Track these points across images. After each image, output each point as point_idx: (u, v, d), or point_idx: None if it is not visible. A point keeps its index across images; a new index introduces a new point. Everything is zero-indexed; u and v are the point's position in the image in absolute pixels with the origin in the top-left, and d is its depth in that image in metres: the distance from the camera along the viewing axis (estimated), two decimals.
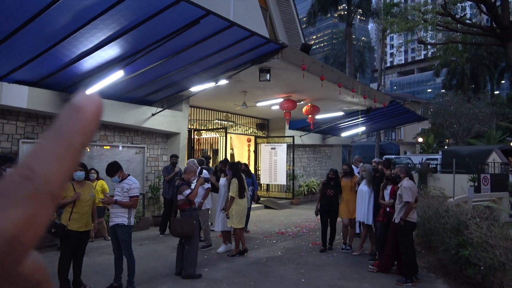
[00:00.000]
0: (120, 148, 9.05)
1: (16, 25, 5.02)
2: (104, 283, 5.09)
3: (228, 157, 14.53)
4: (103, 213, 7.53)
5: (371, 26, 79.83)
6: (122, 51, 6.28)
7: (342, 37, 33.37)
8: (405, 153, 30.75)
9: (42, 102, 7.25)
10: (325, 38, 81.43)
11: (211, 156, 12.40)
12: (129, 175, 5.08)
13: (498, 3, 7.60)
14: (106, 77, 6.74)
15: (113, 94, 8.22)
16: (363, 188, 6.74)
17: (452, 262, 5.17)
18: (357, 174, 7.38)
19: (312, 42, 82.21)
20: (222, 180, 7.33)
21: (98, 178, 7.35)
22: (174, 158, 8.65)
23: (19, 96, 6.93)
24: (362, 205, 6.78)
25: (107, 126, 8.84)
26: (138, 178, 9.14)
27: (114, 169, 4.93)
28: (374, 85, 27.33)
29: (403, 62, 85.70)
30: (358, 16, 25.61)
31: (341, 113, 13.65)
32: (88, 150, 8.32)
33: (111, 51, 6.21)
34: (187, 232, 5.42)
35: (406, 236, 5.39)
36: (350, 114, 13.76)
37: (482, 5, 7.68)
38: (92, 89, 7.27)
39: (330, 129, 15.96)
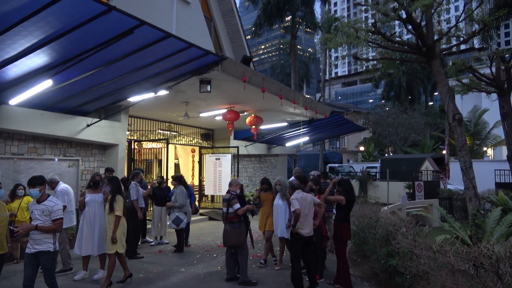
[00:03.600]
0: (56, 160, 8.50)
1: None
2: None
3: (173, 168, 14.23)
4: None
5: (316, 38, 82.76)
6: (50, 60, 5.91)
7: (288, 49, 34.19)
8: (348, 161, 31.98)
9: None
10: (273, 48, 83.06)
11: (152, 168, 12.08)
12: (49, 195, 4.55)
13: (423, 23, 8.15)
14: (34, 86, 6.33)
15: (43, 104, 7.72)
16: (278, 202, 6.52)
17: (382, 271, 5.37)
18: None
19: (260, 52, 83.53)
20: (88, 196, 6.35)
21: (25, 195, 6.81)
22: (109, 172, 8.11)
23: None
24: (279, 219, 6.49)
25: (36, 138, 8.27)
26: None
27: (38, 181, 4.45)
28: (319, 95, 28.22)
29: (346, 73, 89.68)
30: (304, 28, 26.30)
31: (285, 124, 13.88)
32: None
33: (37, 59, 5.82)
34: (237, 243, 5.90)
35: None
36: (293, 125, 14.02)
37: (409, 25, 8.19)
38: (18, 98, 6.80)
39: (274, 139, 16.16)
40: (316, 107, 12.08)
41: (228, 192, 6.15)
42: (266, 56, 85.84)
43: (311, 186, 6.27)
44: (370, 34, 8.24)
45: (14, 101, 6.90)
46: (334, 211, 7.41)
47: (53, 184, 6.58)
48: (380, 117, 27.64)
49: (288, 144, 17.57)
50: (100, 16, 4.94)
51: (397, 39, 8.94)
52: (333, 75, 76.73)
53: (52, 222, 4.37)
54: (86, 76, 6.52)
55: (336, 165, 24.74)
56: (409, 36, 19.31)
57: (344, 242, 5.83)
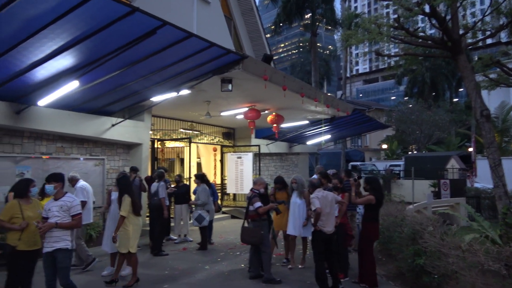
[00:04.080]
0: (82, 159, 8.72)
1: None
2: None
3: (195, 166, 14.37)
4: None
5: (337, 35, 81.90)
6: (76, 61, 6.06)
7: (308, 46, 33.96)
8: (370, 159, 31.55)
9: None
10: (292, 46, 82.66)
11: (174, 167, 12.24)
12: (66, 192, 4.61)
13: (448, 17, 7.93)
14: (61, 87, 6.49)
15: (70, 105, 7.92)
16: (296, 200, 6.55)
17: (409, 270, 5.26)
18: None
19: (280, 51, 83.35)
20: (113, 194, 6.52)
21: None
22: (134, 172, 8.23)
23: None
24: (294, 217, 6.54)
25: (63, 137, 8.50)
26: (98, 190, 8.85)
27: (53, 178, 4.51)
28: (340, 93, 27.90)
29: (368, 70, 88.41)
30: (324, 25, 26.06)
31: (306, 122, 13.80)
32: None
33: (64, 61, 5.97)
34: (255, 241, 5.94)
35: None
36: (314, 123, 13.94)
37: (433, 19, 7.98)
38: (46, 100, 7.00)
39: (295, 137, 16.10)
40: (338, 104, 11.96)
41: (251, 190, 6.17)
42: (285, 54, 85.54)
43: (336, 184, 6.19)
44: (393, 29, 8.06)
45: (42, 102, 7.10)
46: (358, 210, 7.34)
47: (73, 181, 6.81)
48: (403, 114, 27.08)
49: (310, 142, 17.46)
50: (124, 17, 5.02)
51: (421, 34, 8.72)
52: (354, 72, 75.75)
53: (72, 217, 4.43)
54: (110, 77, 6.66)
55: (358, 163, 24.43)
56: (433, 31, 18.87)
57: (371, 241, 5.75)
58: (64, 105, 7.78)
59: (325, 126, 13.10)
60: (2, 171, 7.36)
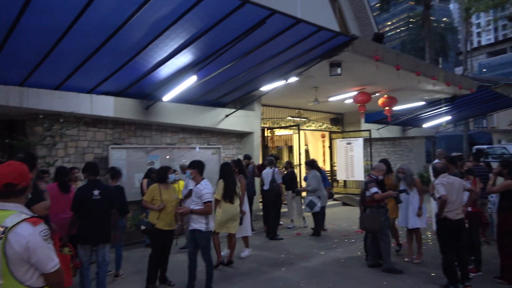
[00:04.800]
0: (197, 149, 9.43)
1: (97, 44, 5.48)
2: (185, 282, 5.30)
3: (303, 154, 14.45)
4: None
5: (452, 5, 73.55)
6: (194, 57, 6.53)
7: (420, 21, 31.18)
8: (499, 142, 27.87)
9: (127, 110, 7.84)
10: (400, 23, 76.84)
11: (283, 154, 12.43)
12: (203, 178, 4.96)
13: None
14: (181, 82, 7.07)
15: (189, 99, 8.59)
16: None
17: None
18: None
19: (386, 29, 78.37)
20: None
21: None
22: (247, 160, 8.61)
23: (106, 106, 7.57)
24: (409, 209, 6.15)
25: (185, 129, 9.28)
26: (215, 177, 9.42)
27: (190, 165, 4.95)
28: (459, 70, 25.18)
29: (493, 41, 77.64)
30: None
31: (422, 103, 12.78)
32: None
33: (183, 58, 6.48)
34: (374, 228, 5.71)
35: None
36: (432, 104, 12.84)
37: None
38: (170, 95, 7.69)
39: (410, 120, 15.03)
40: (460, 81, 10.79)
41: (368, 175, 5.95)
42: (393, 33, 79.96)
43: (500, 171, 5.36)
44: None
45: (166, 97, 7.84)
46: (490, 198, 6.57)
47: (184, 169, 7.34)
48: None
49: (426, 125, 16.16)
50: (235, 11, 5.22)
51: None
52: (475, 45, 67.39)
53: (203, 204, 4.80)
54: (223, 69, 7.01)
55: (485, 146, 21.78)
56: None
57: (511, 233, 5.07)
58: (184, 99, 8.47)
59: (445, 106, 11.94)
60: (137, 161, 8.36)
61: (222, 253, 6.51)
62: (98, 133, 7.95)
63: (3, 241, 1.84)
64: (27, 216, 1.95)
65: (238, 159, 7.47)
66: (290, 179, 9.11)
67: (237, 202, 5.97)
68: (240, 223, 6.26)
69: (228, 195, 5.84)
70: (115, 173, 5.78)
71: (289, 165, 9.51)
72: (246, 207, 6.75)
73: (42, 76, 6.28)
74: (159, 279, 5.23)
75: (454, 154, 6.74)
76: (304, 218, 9.25)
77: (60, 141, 7.28)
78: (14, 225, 1.87)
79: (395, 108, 11.92)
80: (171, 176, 5.32)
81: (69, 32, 4.99)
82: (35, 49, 5.40)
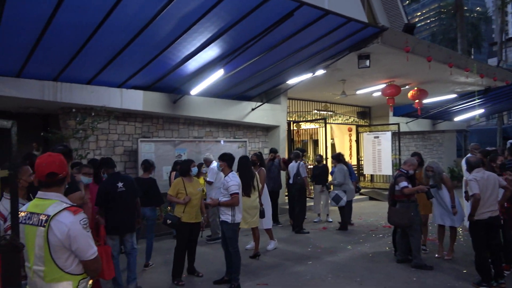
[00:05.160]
0: (222, 142, 9.48)
1: (127, 39, 5.58)
2: (213, 272, 5.39)
3: (329, 147, 14.32)
4: None
5: None
6: (221, 51, 6.55)
7: (452, 10, 30.09)
8: None
9: (155, 103, 7.98)
10: (431, 13, 74.31)
11: (308, 148, 12.33)
12: (231, 170, 5.01)
13: None
14: (208, 76, 7.12)
15: (215, 92, 8.65)
16: (433, 190, 5.83)
17: None
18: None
19: (416, 20, 76.10)
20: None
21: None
22: (273, 153, 8.57)
23: (136, 100, 7.73)
24: (439, 207, 6.02)
25: (211, 122, 9.37)
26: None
27: (220, 157, 5.04)
28: (493, 61, 24.22)
29: None
30: None
31: (454, 96, 12.39)
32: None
33: (211, 52, 6.52)
34: (403, 223, 5.61)
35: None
36: (464, 96, 12.44)
37: None
38: (197, 89, 7.76)
39: (440, 113, 14.59)
40: (495, 73, 10.37)
41: (398, 169, 5.84)
42: (423, 23, 77.55)
43: (503, 162, 5.26)
44: None
45: (194, 91, 7.92)
46: None
47: (207, 162, 7.47)
48: None
49: (457, 118, 15.64)
50: (263, 4, 5.20)
51: None
52: (510, 35, 64.47)
53: (230, 196, 4.84)
54: (251, 63, 7.01)
55: None
56: None
57: None
58: (210, 92, 8.54)
59: (478, 99, 11.52)
60: (165, 153, 8.50)
61: (248, 246, 6.57)
62: (127, 127, 8.13)
63: (46, 228, 1.93)
64: (68, 205, 2.03)
65: (260, 152, 7.46)
66: (320, 173, 9.04)
67: (254, 195, 5.94)
68: (262, 216, 6.23)
69: (245, 188, 5.70)
70: (148, 165, 5.93)
71: (321, 158, 9.40)
72: (264, 199, 6.61)
73: (74, 71, 6.48)
74: (187, 270, 5.33)
75: (488, 148, 6.49)
76: (327, 215, 9.17)
77: (92, 134, 7.50)
78: (56, 214, 1.95)
79: (426, 101, 11.60)
80: (194, 169, 5.38)
81: (100, 28, 5.12)
82: (68, 45, 5.56)
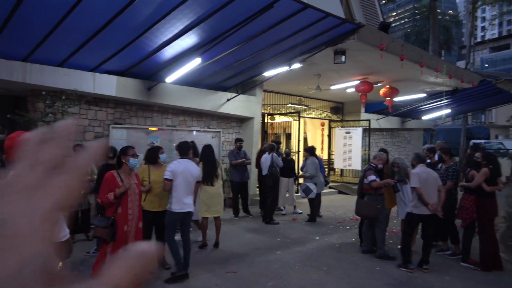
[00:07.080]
0: (195, 133, 9.45)
1: (104, 21, 5.45)
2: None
3: (302, 141, 14.52)
4: None
5: None
6: (199, 39, 6.51)
7: (426, 12, 30.91)
8: (497, 137, 28.01)
9: (129, 90, 7.84)
10: (406, 14, 76.03)
11: (281, 141, 12.46)
12: (187, 158, 5.05)
13: None
14: (185, 64, 7.06)
15: (191, 81, 8.58)
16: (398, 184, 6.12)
17: None
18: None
19: (391, 20, 77.59)
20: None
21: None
22: (239, 142, 8.69)
23: (109, 85, 7.56)
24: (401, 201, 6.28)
25: (186, 111, 9.30)
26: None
27: (177, 146, 5.11)
28: (461, 63, 25.11)
29: (497, 36, 77.11)
30: None
31: (423, 95, 12.80)
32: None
33: (189, 40, 6.47)
34: (371, 215, 5.84)
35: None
36: (433, 96, 12.86)
37: None
38: (172, 77, 7.68)
39: (410, 111, 15.07)
40: (463, 75, 10.80)
41: (368, 163, 6.06)
42: (398, 23, 79.22)
43: (477, 159, 5.62)
44: None
45: (169, 79, 7.83)
46: None
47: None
48: None
49: (426, 117, 16.19)
50: None
51: None
52: (479, 39, 66.86)
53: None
54: (228, 53, 7.00)
55: (482, 141, 21.88)
56: None
57: (491, 221, 5.32)
58: (186, 81, 8.46)
59: (445, 99, 11.97)
60: (137, 141, 8.39)
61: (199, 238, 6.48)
62: (99, 112, 7.96)
63: None
64: None
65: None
66: (288, 166, 9.18)
67: (218, 184, 6.02)
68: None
69: (206, 177, 5.83)
70: (115, 152, 5.83)
71: (289, 152, 9.55)
72: None
73: (46, 52, 6.26)
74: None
75: (426, 145, 7.13)
76: (295, 206, 9.34)
77: (62, 119, 7.29)
78: None
79: (396, 99, 11.93)
80: (163, 156, 5.31)
81: (76, 7, 4.97)
82: (41, 24, 5.38)
